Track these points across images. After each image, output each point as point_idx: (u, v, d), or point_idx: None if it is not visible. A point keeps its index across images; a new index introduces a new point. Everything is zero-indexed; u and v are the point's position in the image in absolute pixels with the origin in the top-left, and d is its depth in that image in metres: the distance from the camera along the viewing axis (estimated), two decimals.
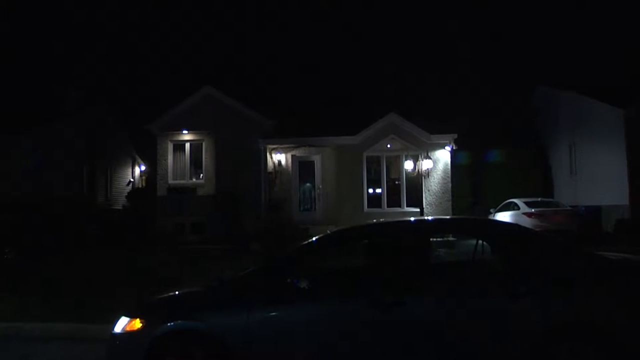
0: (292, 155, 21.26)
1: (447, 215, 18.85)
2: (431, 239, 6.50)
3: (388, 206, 20.25)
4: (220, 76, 23.90)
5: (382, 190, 20.70)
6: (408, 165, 20.24)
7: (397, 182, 20.82)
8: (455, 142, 20.26)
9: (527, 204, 18.93)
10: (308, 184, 21.45)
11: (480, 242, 5.46)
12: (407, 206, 20.01)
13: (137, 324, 4.80)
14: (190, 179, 22.35)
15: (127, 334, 4.82)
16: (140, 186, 28.15)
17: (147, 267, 13.89)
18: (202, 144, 22.03)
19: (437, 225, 6.58)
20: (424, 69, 24.93)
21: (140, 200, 23.89)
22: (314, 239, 5.42)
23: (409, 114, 20.64)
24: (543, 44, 24.96)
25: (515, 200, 19.45)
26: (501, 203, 20.16)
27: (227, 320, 4.67)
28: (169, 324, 4.73)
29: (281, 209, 20.49)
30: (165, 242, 19.59)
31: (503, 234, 5.44)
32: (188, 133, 22.03)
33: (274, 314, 4.70)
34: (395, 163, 20.95)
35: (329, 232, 5.68)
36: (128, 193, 25.55)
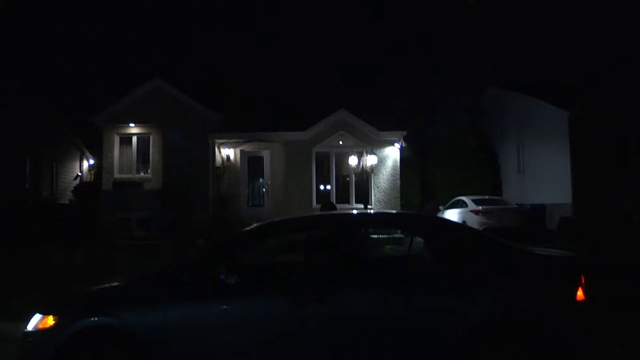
0: (241, 151, 21.03)
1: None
2: (374, 235, 6.37)
3: (337, 202, 20.12)
4: (169, 69, 23.40)
5: (331, 187, 20.69)
6: (352, 160, 20.17)
7: (347, 179, 20.81)
8: (405, 139, 20.36)
9: (475, 201, 19.19)
10: (257, 180, 21.27)
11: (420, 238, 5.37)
12: (356, 202, 20.02)
13: (50, 321, 4.59)
14: (137, 173, 21.84)
15: (38, 332, 4.60)
16: (88, 180, 27.42)
17: (84, 263, 13.48)
18: (149, 137, 21.55)
19: (367, 220, 6.34)
20: (375, 67, 24.96)
21: (86, 195, 23.23)
22: (241, 231, 5.28)
23: (359, 111, 20.64)
24: (494, 44, 25.33)
25: (463, 197, 19.68)
26: (450, 200, 20.36)
27: (144, 318, 4.48)
28: (83, 321, 4.53)
29: (229, 205, 20.24)
30: (110, 238, 19.10)
31: (434, 230, 5.33)
32: (135, 126, 21.49)
33: (192, 310, 4.52)
34: (345, 159, 20.91)
35: (254, 225, 5.51)
36: (74, 187, 24.85)
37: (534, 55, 24.64)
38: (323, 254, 5.05)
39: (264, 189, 21.10)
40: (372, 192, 20.24)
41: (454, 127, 22.99)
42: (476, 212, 18.62)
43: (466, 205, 19.21)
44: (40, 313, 4.70)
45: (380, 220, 6.65)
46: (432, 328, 4.40)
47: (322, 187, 20.89)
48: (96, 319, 4.55)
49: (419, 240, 5.53)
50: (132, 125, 21.47)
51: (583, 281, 4.53)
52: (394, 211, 7.45)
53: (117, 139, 21.71)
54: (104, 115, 21.48)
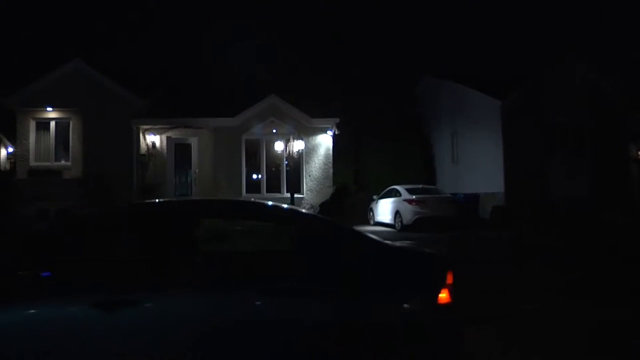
0: (168, 137, 20.06)
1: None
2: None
3: (267, 192, 19.59)
4: (92, 51, 22.10)
5: (262, 176, 20.03)
6: (279, 146, 19.55)
7: (279, 167, 20.18)
8: (338, 127, 19.91)
9: (408, 190, 18.95)
10: (184, 168, 20.34)
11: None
12: (287, 192, 19.41)
13: None
14: (57, 161, 20.50)
15: None
16: (5, 169, 25.74)
17: None
18: (69, 122, 20.25)
19: (209, 209, 4.90)
20: (309, 54, 24.44)
21: (1, 185, 21.71)
22: (53, 224, 4.42)
23: (292, 98, 20.03)
24: (431, 34, 25.28)
25: (397, 187, 19.42)
26: (384, 190, 20.08)
27: None
28: None
29: (155, 194, 19.25)
30: (25, 231, 17.84)
31: (276, 220, 4.62)
32: (53, 110, 20.13)
33: None
34: (276, 147, 20.30)
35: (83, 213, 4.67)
36: None
37: (470, 47, 24.75)
38: (148, 249, 4.26)
39: (191, 178, 20.21)
40: (304, 180, 19.70)
41: (389, 115, 22.69)
42: (410, 202, 18.40)
43: (400, 195, 18.96)
44: None
45: (224, 209, 5.09)
46: (271, 336, 3.73)
47: (253, 175, 20.19)
48: None
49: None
50: (50, 109, 20.10)
51: (450, 281, 3.97)
52: (252, 200, 6.88)
53: (33, 124, 20.31)
54: (19, 98, 20.02)
